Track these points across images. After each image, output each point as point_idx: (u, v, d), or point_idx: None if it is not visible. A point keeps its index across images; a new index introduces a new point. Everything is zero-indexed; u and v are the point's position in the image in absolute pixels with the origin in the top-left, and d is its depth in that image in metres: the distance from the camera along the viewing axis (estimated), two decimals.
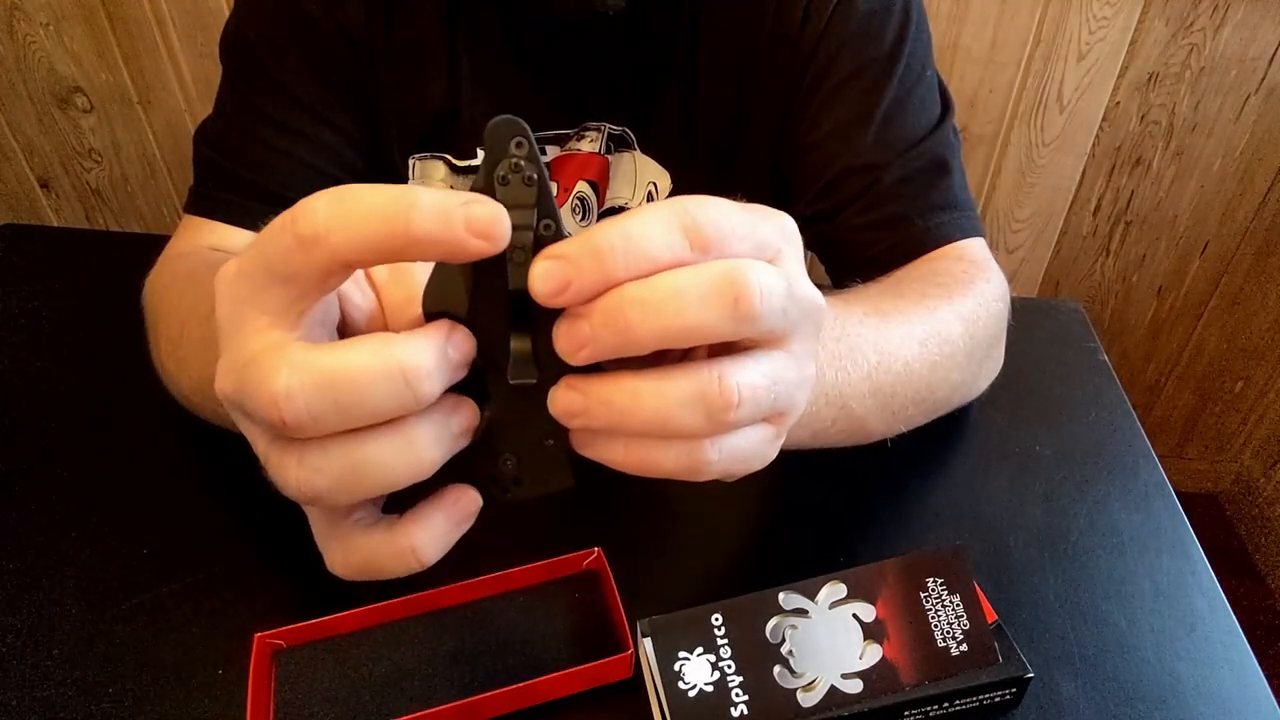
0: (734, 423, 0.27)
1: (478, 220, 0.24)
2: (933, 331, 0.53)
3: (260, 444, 0.27)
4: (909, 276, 0.59)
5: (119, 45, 1.31)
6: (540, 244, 0.26)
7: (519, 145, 0.25)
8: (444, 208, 0.24)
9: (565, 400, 0.27)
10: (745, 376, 0.27)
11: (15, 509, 0.55)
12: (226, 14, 0.66)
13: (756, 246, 0.27)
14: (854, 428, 0.50)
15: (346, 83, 0.64)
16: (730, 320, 0.26)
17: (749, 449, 0.29)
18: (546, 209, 0.26)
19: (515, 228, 0.25)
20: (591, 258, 0.25)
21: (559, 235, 0.26)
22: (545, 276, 0.25)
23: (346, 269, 0.25)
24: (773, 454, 0.31)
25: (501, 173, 0.25)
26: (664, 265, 0.26)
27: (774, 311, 0.26)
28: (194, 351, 0.49)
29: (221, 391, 0.27)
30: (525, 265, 0.26)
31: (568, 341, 0.26)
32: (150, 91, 1.36)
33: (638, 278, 0.25)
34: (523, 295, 0.26)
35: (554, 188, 0.26)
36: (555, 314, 0.26)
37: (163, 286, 0.57)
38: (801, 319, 0.28)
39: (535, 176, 0.26)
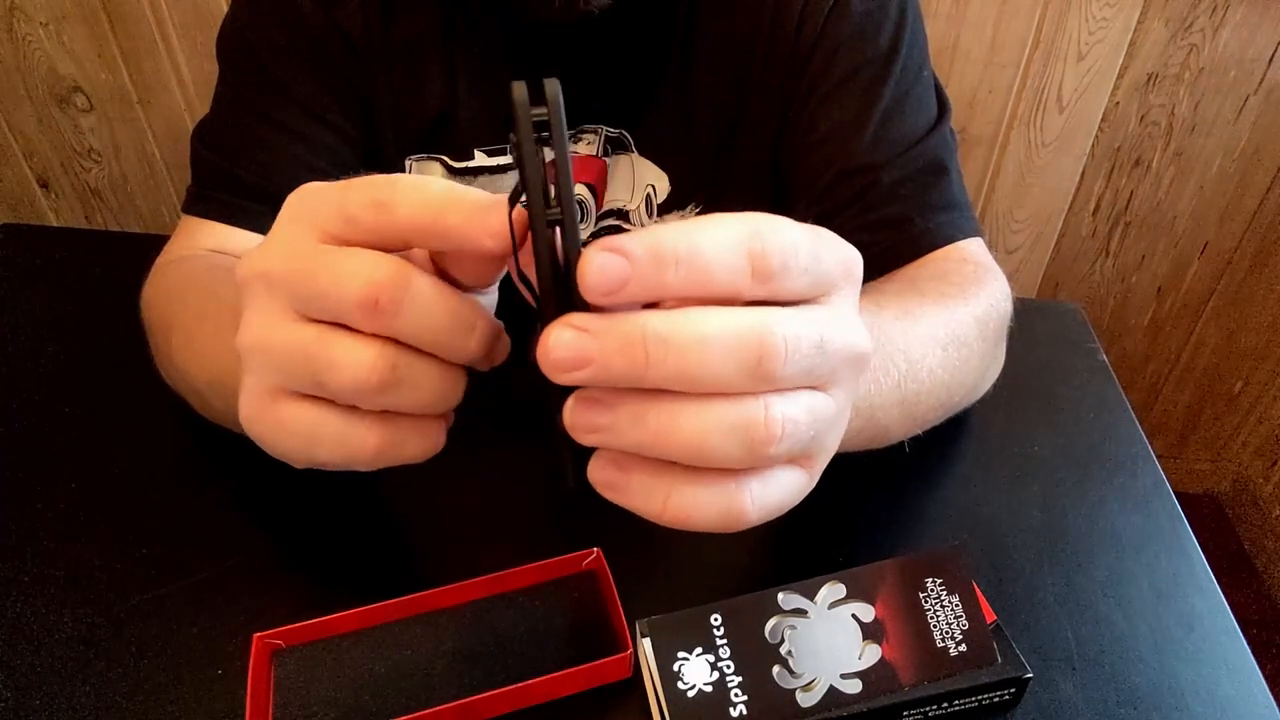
0: (771, 457, 0.25)
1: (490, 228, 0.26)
2: (953, 335, 0.53)
3: (284, 329, 0.28)
4: (922, 275, 0.59)
5: (119, 45, 1.31)
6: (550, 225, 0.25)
7: (538, 115, 0.24)
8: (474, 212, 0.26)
9: (584, 414, 0.25)
10: (790, 411, 0.25)
11: (15, 509, 0.55)
12: (225, 13, 0.66)
13: (814, 283, 0.26)
14: (877, 435, 0.50)
15: (344, 83, 0.64)
16: (749, 379, 0.24)
17: (782, 497, 0.27)
18: (559, 189, 0.24)
19: (534, 197, 0.24)
20: (653, 263, 0.23)
21: (570, 221, 0.25)
22: (602, 272, 0.23)
23: (401, 243, 0.28)
24: (803, 495, 0.29)
25: (515, 140, 0.24)
26: (717, 290, 0.24)
27: (799, 372, 0.25)
28: (210, 344, 0.49)
29: (259, 269, 0.28)
30: (557, 238, 0.25)
31: (568, 354, 0.24)
32: (150, 91, 1.36)
33: (688, 296, 0.24)
34: (566, 271, 0.24)
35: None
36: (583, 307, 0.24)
37: (166, 290, 0.57)
38: (840, 368, 0.27)
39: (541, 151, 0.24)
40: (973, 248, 0.62)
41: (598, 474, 0.26)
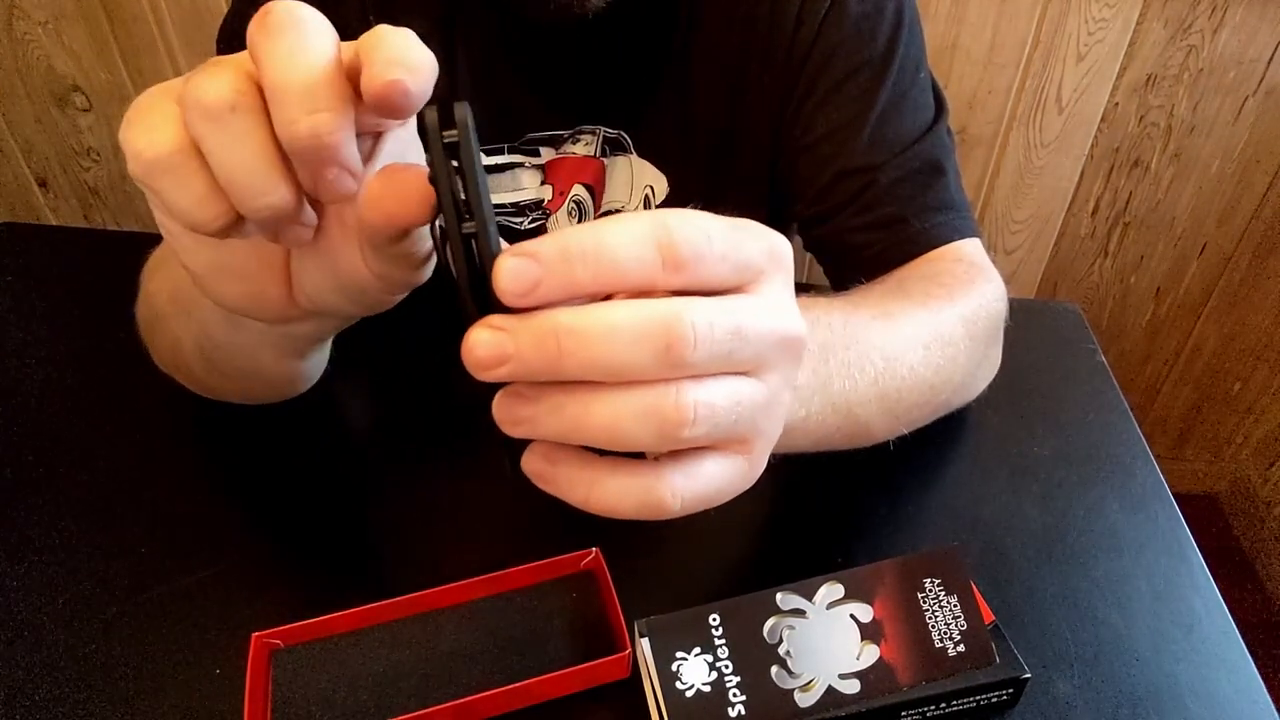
0: (686, 441, 0.26)
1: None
2: (936, 334, 0.53)
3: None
4: (911, 276, 0.59)
5: (118, 44, 1.31)
6: (466, 240, 0.26)
7: (449, 137, 0.26)
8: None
9: (508, 408, 0.27)
10: (704, 395, 0.26)
11: (14, 508, 0.55)
12: (225, 12, 0.66)
13: (737, 269, 0.27)
14: (858, 432, 0.50)
15: None
16: (660, 365, 0.25)
17: (711, 485, 0.28)
18: (472, 205, 0.26)
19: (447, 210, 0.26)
20: (562, 262, 0.25)
21: (484, 234, 0.26)
22: (514, 275, 0.24)
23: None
24: (746, 484, 0.30)
25: (429, 159, 0.26)
26: (631, 280, 0.25)
27: (712, 357, 0.26)
28: (174, 265, 0.47)
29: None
30: (470, 250, 0.26)
31: (487, 352, 0.25)
32: None
33: (602, 290, 0.25)
34: (485, 280, 0.26)
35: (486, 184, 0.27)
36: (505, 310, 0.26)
37: (159, 261, 0.57)
38: (767, 353, 0.27)
39: (459, 170, 0.26)
40: (969, 248, 0.62)
41: (530, 465, 0.28)
